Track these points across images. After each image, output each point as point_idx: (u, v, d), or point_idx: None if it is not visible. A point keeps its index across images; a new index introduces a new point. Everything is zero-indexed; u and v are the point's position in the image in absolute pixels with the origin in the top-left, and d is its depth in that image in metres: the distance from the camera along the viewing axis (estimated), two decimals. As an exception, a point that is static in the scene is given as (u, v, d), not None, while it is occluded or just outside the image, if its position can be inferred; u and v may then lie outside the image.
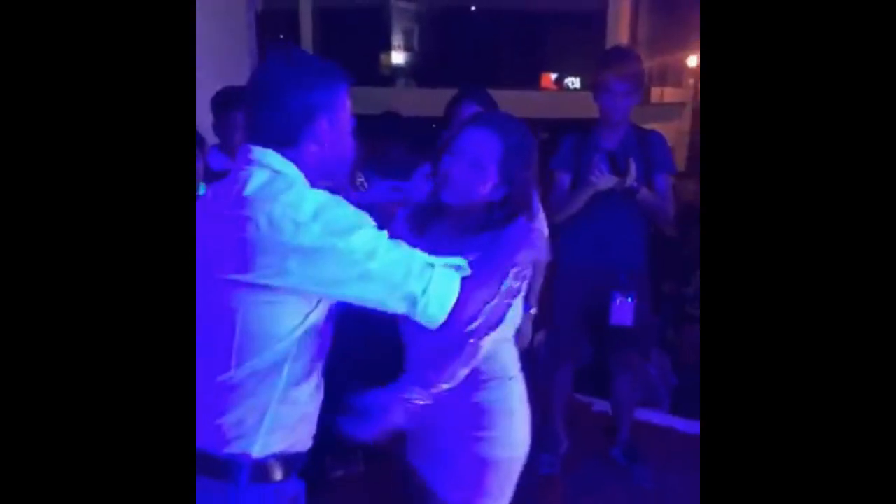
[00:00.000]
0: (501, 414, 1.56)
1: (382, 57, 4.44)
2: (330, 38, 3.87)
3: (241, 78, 3.18)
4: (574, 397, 3.05)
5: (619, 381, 2.84)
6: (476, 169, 1.45)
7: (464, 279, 1.26)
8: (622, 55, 2.59)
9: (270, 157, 1.24)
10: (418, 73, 4.62)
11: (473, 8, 4.54)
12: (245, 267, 1.18)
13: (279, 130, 1.24)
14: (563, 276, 2.74)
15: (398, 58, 4.55)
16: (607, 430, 2.97)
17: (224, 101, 2.48)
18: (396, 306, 1.23)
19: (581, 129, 2.60)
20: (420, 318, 1.24)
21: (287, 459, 1.29)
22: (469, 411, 1.55)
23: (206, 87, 2.57)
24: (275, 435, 1.26)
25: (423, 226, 1.56)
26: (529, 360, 3.70)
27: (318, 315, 1.25)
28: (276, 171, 1.24)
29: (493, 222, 1.48)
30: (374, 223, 1.23)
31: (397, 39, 4.51)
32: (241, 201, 1.20)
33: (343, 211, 1.21)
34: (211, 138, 2.49)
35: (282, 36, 4.06)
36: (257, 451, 1.25)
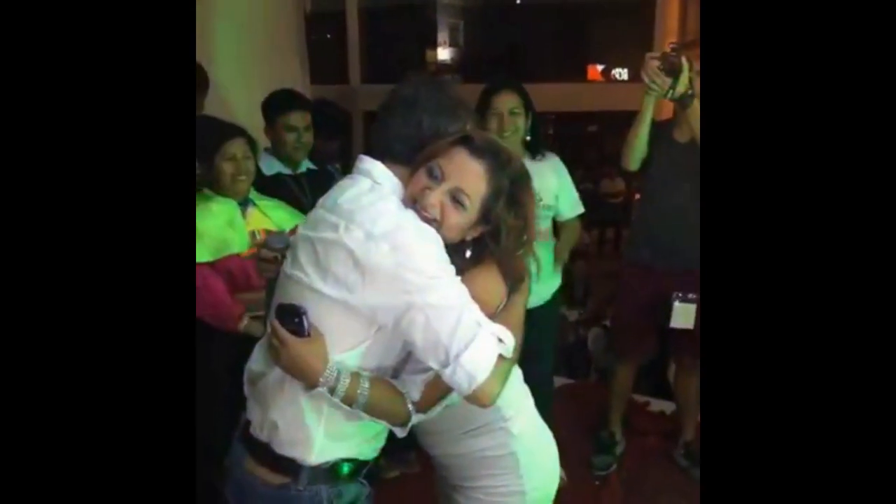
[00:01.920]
0: (499, 461, 1.41)
1: (428, 53, 4.43)
2: (376, 36, 3.88)
3: (290, 80, 3.21)
4: (631, 397, 3.00)
5: (683, 382, 2.78)
6: (457, 205, 1.22)
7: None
8: None
9: (376, 169, 1.26)
10: (464, 68, 4.61)
11: (518, 1, 4.50)
12: (319, 272, 1.19)
13: (401, 147, 1.26)
14: (628, 271, 2.70)
15: (443, 54, 4.54)
16: (669, 431, 2.92)
17: (274, 104, 2.50)
18: (430, 359, 1.17)
19: (655, 123, 2.51)
20: (448, 380, 1.17)
21: (346, 465, 1.28)
22: (463, 462, 1.44)
23: (256, 89, 2.61)
24: (333, 441, 1.25)
25: None
26: (582, 358, 3.68)
27: (380, 338, 1.21)
28: (376, 183, 1.25)
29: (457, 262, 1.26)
30: (446, 259, 1.18)
31: (442, 35, 4.50)
32: (335, 207, 1.22)
33: (418, 238, 1.17)
34: (262, 141, 2.50)
35: (329, 35, 4.08)
36: (315, 455, 1.25)
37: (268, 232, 2.06)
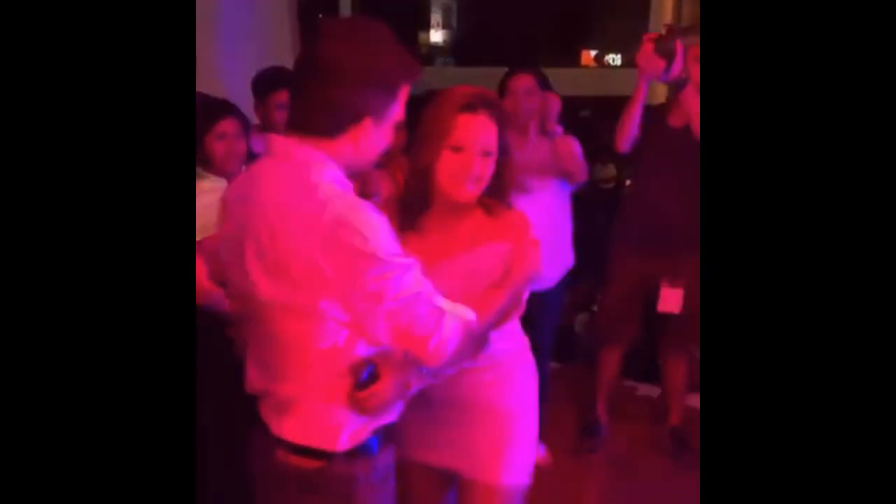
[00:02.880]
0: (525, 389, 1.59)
1: (421, 36, 4.40)
2: (368, 17, 3.85)
3: (282, 59, 3.19)
4: (619, 381, 3.01)
5: (670, 367, 2.79)
6: (488, 157, 1.41)
7: (467, 327, 1.23)
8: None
9: (295, 151, 1.18)
10: (457, 51, 4.57)
11: (512, -16, 4.46)
12: (281, 285, 1.16)
13: (323, 122, 1.17)
14: (617, 254, 2.70)
15: (436, 37, 4.50)
16: (656, 414, 2.94)
17: (265, 82, 2.48)
18: (399, 346, 1.20)
19: (649, 108, 2.50)
20: (417, 358, 1.21)
21: (375, 439, 1.28)
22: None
23: (249, 70, 2.58)
24: (360, 423, 1.24)
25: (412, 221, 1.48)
26: (570, 343, 3.69)
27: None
28: (300, 166, 1.17)
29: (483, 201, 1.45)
30: (394, 245, 1.15)
31: (435, 18, 4.46)
32: (262, 211, 1.18)
33: (361, 228, 1.11)
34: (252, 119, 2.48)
35: (321, 15, 4.04)
36: (346, 440, 1.24)
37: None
